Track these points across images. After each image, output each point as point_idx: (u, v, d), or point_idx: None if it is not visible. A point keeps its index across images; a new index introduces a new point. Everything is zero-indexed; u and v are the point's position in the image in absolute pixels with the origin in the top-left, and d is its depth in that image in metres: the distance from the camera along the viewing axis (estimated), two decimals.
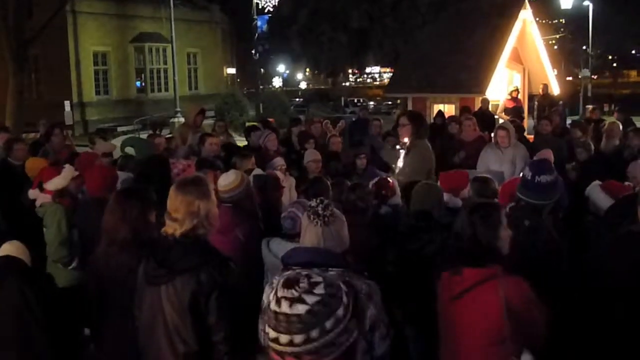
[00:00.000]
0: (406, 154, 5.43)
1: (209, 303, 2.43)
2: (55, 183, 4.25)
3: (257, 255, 3.26)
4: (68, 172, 4.36)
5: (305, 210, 2.40)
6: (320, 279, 1.35)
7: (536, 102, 12.81)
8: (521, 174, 3.51)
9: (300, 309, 1.29)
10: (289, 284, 1.33)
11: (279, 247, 3.14)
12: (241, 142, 9.48)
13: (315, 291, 1.31)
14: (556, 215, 3.35)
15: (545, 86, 12.94)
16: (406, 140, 5.42)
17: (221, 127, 8.36)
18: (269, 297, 1.35)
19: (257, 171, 4.79)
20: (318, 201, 2.37)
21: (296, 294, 1.30)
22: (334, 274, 2.18)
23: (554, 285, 2.92)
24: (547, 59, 13.53)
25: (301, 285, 1.32)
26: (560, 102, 10.74)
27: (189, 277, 2.45)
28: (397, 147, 5.66)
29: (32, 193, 4.33)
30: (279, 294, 1.32)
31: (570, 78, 37.39)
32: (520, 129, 7.67)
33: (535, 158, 5.17)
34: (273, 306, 1.31)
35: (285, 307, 1.29)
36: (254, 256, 3.28)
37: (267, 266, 3.26)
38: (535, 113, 12.61)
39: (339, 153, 6.74)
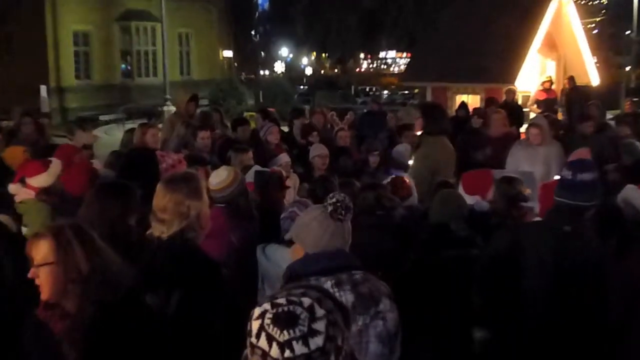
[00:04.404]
0: (414, 151, 5.47)
1: (198, 314, 2.43)
2: (41, 180, 4.22)
3: (253, 262, 3.26)
4: (55, 168, 4.34)
5: (326, 206, 2.34)
6: (322, 312, 1.34)
7: (564, 97, 12.66)
8: (557, 177, 3.49)
9: (305, 349, 1.29)
10: (288, 323, 1.30)
11: (276, 253, 3.13)
12: None
13: (319, 328, 1.31)
14: (600, 220, 3.34)
15: (572, 78, 12.78)
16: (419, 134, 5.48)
17: (216, 119, 8.35)
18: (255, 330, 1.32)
19: (257, 167, 4.78)
20: (342, 196, 2.36)
21: (299, 333, 1.30)
22: (358, 277, 2.23)
23: (593, 299, 2.92)
24: (585, 45, 13.46)
25: (300, 325, 1.30)
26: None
27: (177, 284, 2.44)
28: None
29: (13, 188, 4.32)
30: (279, 339, 1.29)
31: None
32: (555, 124, 7.62)
33: (571, 158, 5.12)
34: (268, 349, 1.29)
35: (288, 353, 1.28)
36: (249, 262, 3.28)
37: (262, 274, 3.26)
38: (565, 109, 12.45)
39: (349, 149, 6.72)
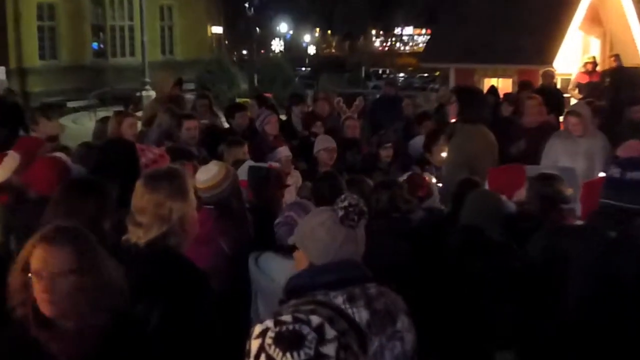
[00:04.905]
0: (447, 141, 5.48)
1: (182, 331, 2.44)
2: None
3: (246, 272, 3.28)
4: (11, 161, 4.37)
5: (336, 210, 2.34)
6: (333, 333, 1.34)
7: (607, 79, 12.63)
8: (602, 174, 3.50)
9: None
10: (292, 344, 1.30)
11: (270, 264, 3.14)
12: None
13: (328, 352, 1.31)
14: None
15: (618, 56, 12.79)
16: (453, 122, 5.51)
17: (204, 106, 8.35)
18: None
19: (251, 162, 4.79)
20: (356, 198, 2.35)
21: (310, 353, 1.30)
22: (373, 292, 2.23)
23: None
24: (635, 19, 13.42)
25: (306, 347, 1.30)
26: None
27: (156, 299, 2.45)
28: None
29: None
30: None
31: None
32: (599, 112, 7.60)
33: (619, 152, 5.11)
34: None
35: None
36: (241, 273, 3.30)
37: (254, 288, 3.27)
38: (608, 94, 12.41)
39: (358, 141, 6.73)
